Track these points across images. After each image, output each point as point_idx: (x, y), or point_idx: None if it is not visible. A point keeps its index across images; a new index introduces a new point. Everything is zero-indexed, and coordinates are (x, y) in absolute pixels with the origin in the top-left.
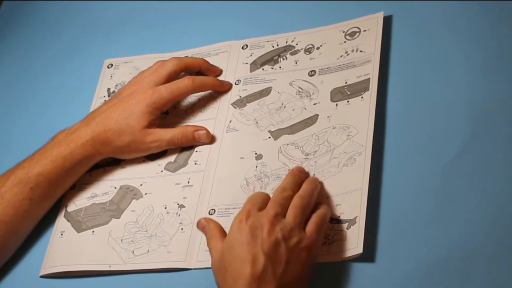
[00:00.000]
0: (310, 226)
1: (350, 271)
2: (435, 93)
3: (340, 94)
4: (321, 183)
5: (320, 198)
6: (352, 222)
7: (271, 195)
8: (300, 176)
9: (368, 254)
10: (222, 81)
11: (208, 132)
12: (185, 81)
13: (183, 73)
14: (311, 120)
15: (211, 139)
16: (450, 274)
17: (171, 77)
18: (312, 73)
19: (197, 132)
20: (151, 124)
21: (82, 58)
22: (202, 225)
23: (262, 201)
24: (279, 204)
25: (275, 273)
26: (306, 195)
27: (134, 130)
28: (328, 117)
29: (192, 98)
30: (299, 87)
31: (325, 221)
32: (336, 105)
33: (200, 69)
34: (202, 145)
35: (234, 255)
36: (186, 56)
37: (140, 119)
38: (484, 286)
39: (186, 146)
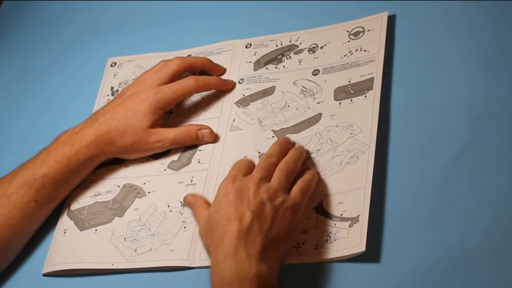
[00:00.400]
0: (295, 189)
1: (351, 271)
2: (435, 93)
3: (343, 93)
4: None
5: (322, 195)
6: (355, 220)
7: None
8: (286, 145)
9: (371, 253)
10: (226, 80)
11: (211, 131)
12: (188, 81)
13: (186, 72)
14: (315, 119)
15: (215, 138)
16: (450, 274)
17: (175, 77)
18: (315, 72)
19: (200, 131)
20: (154, 124)
21: (83, 58)
22: (188, 201)
23: (247, 167)
24: (264, 169)
25: (262, 228)
26: (291, 161)
27: (138, 130)
28: (331, 115)
29: (196, 97)
30: (303, 86)
31: (310, 186)
32: (340, 104)
33: (203, 69)
34: (206, 144)
35: (221, 215)
36: (189, 55)
37: (143, 119)
38: (484, 286)
39: (190, 145)
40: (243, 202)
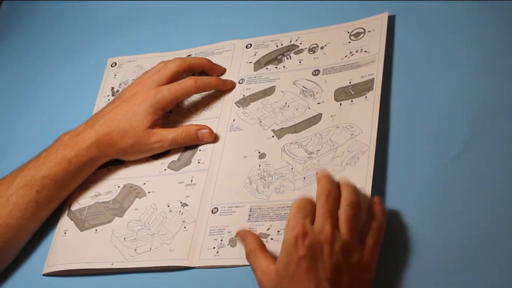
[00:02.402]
0: (370, 240)
1: None
2: (436, 93)
3: (344, 94)
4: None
5: None
6: None
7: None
8: (330, 178)
9: None
10: (225, 81)
11: (211, 131)
12: (188, 82)
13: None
14: (315, 119)
15: (215, 138)
16: (450, 274)
17: (174, 78)
18: (316, 73)
19: (200, 131)
20: (154, 124)
21: (83, 58)
22: (241, 237)
23: (311, 208)
24: (330, 214)
25: None
26: (354, 203)
27: (137, 131)
28: (331, 116)
29: (196, 97)
30: (303, 86)
31: (383, 231)
32: (340, 104)
33: (203, 69)
34: (206, 144)
35: (294, 281)
36: (189, 55)
37: (143, 119)
38: (484, 286)
39: (190, 145)
40: (317, 267)
